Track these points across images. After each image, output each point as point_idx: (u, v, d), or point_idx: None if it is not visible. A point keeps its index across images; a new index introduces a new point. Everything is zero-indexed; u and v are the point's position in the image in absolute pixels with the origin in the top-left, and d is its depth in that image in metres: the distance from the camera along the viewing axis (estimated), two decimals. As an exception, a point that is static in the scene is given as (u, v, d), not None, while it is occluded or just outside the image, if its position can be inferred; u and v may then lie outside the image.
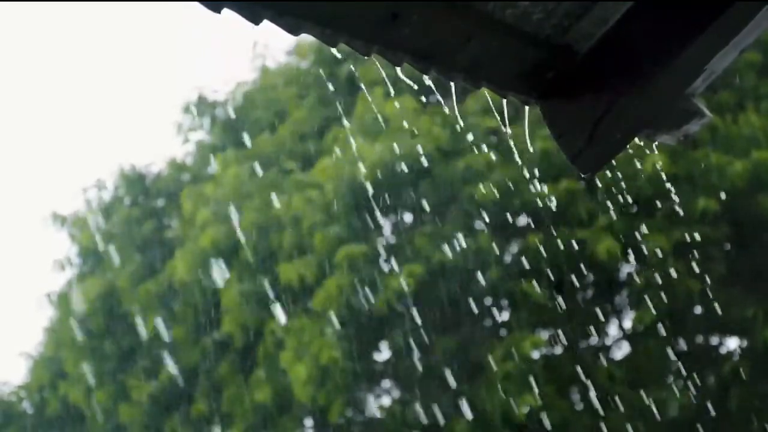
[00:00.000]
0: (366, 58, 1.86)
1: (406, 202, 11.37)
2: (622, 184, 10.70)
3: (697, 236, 10.51)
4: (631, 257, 11.02)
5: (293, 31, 1.72)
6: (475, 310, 10.99)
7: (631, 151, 2.25)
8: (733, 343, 11.69)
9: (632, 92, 2.07)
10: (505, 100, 2.17)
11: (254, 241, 11.84)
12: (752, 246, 11.33)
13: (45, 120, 29.58)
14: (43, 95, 34.39)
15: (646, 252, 10.64)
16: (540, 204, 10.72)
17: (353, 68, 12.21)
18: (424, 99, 11.87)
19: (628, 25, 2.10)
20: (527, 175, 10.89)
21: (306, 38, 1.82)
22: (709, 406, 10.64)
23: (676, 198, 10.62)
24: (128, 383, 13.26)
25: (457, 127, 11.18)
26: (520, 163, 10.99)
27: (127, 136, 30.53)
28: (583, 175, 2.14)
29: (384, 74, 11.47)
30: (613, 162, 2.20)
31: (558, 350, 11.66)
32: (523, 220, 11.49)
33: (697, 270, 10.52)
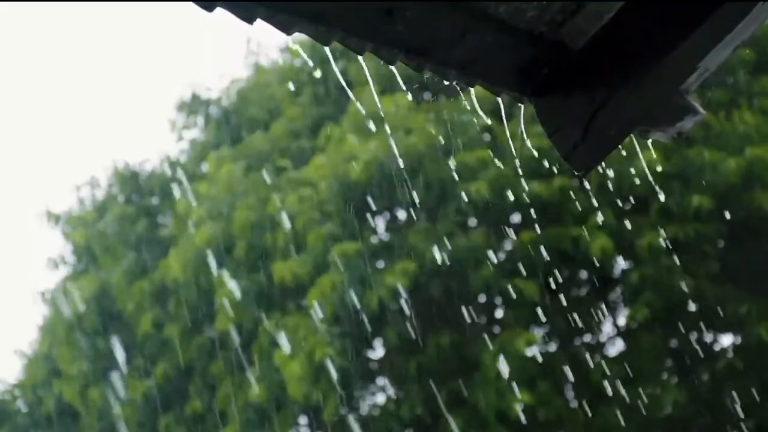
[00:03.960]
0: (360, 56, 1.85)
1: (399, 199, 11.37)
2: (616, 181, 10.71)
3: (691, 233, 10.53)
4: (625, 254, 11.03)
5: (287, 29, 1.72)
6: (469, 308, 10.99)
7: (624, 148, 2.25)
8: (726, 340, 11.71)
9: (626, 89, 2.06)
10: (499, 98, 2.16)
11: (248, 239, 11.84)
12: (746, 243, 11.35)
13: (39, 118, 29.53)
14: (37, 93, 34.33)
15: (639, 249, 10.65)
16: (534, 201, 10.73)
17: (341, 67, 12.21)
18: (417, 97, 11.87)
19: (622, 22, 2.09)
20: (521, 173, 10.90)
21: (299, 36, 1.82)
22: (703, 402, 10.66)
23: (669, 195, 10.63)
24: (123, 381, 13.25)
25: (451, 124, 11.18)
26: (513, 160, 10.99)
27: (121, 133, 30.50)
28: (577, 173, 2.14)
29: (378, 72, 11.46)
30: (607, 159, 2.20)
31: (552, 347, 11.67)
32: (516, 217, 11.50)
33: (690, 267, 10.54)
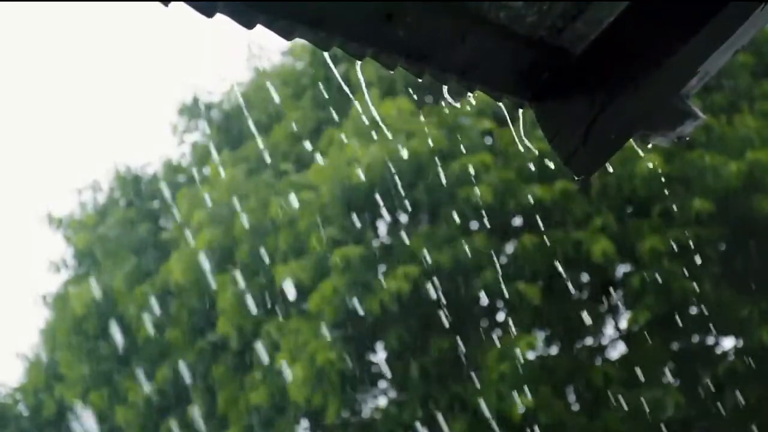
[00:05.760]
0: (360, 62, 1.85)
1: (401, 203, 11.36)
2: (618, 185, 10.71)
3: (692, 237, 10.52)
4: (627, 258, 11.02)
5: (287, 35, 1.72)
6: (471, 311, 10.98)
7: (625, 152, 2.25)
8: (728, 343, 11.70)
9: (627, 93, 2.06)
10: (500, 103, 2.16)
11: (250, 243, 11.82)
12: (747, 246, 11.34)
13: (41, 120, 29.57)
14: (39, 96, 34.36)
15: (641, 252, 10.64)
16: (535, 205, 10.72)
17: (343, 70, 12.19)
18: (419, 100, 11.86)
19: (622, 26, 2.09)
20: (522, 177, 10.89)
21: (301, 40, 1.82)
22: (705, 406, 10.65)
23: (671, 199, 10.63)
24: (124, 385, 13.24)
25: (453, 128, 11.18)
26: (515, 164, 10.98)
27: (123, 137, 30.53)
28: (577, 177, 2.13)
29: (380, 75, 11.45)
30: (608, 163, 2.20)
31: (554, 350, 11.66)
32: (518, 221, 11.49)
33: (692, 270, 10.53)
